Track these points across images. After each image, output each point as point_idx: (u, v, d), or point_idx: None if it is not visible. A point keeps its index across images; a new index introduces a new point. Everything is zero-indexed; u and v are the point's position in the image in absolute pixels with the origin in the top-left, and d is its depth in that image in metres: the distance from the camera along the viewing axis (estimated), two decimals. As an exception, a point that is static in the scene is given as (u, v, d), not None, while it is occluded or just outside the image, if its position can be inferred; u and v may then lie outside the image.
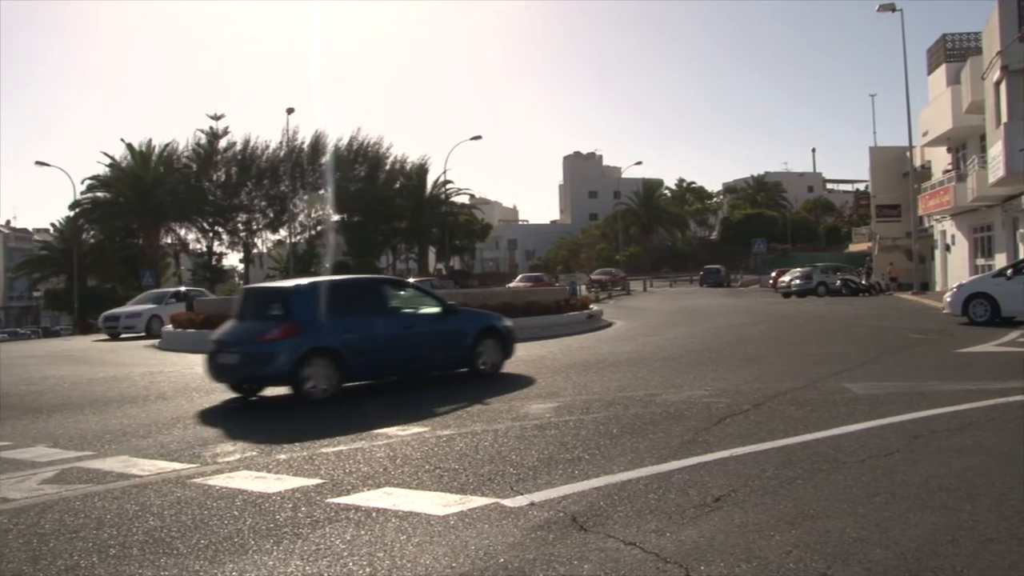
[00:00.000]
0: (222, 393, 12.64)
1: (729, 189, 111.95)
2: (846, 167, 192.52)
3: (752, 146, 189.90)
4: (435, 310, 13.28)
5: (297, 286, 12.43)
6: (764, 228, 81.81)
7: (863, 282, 44.95)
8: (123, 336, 30.52)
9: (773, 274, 53.51)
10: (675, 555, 4.55)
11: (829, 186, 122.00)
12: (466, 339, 13.26)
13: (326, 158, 66.87)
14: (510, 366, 13.92)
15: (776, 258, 72.95)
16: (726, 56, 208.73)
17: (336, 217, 70.00)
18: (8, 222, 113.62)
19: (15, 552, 5.22)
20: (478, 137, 66.76)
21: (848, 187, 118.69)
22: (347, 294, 12.68)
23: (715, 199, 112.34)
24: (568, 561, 4.55)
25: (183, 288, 37.74)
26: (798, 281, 44.16)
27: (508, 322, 14.26)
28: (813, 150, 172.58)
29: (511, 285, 44.21)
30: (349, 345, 11.70)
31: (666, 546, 4.71)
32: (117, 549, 5.18)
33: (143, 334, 29.95)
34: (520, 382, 12.54)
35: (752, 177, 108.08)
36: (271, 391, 12.15)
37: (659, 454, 7.11)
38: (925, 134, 42.04)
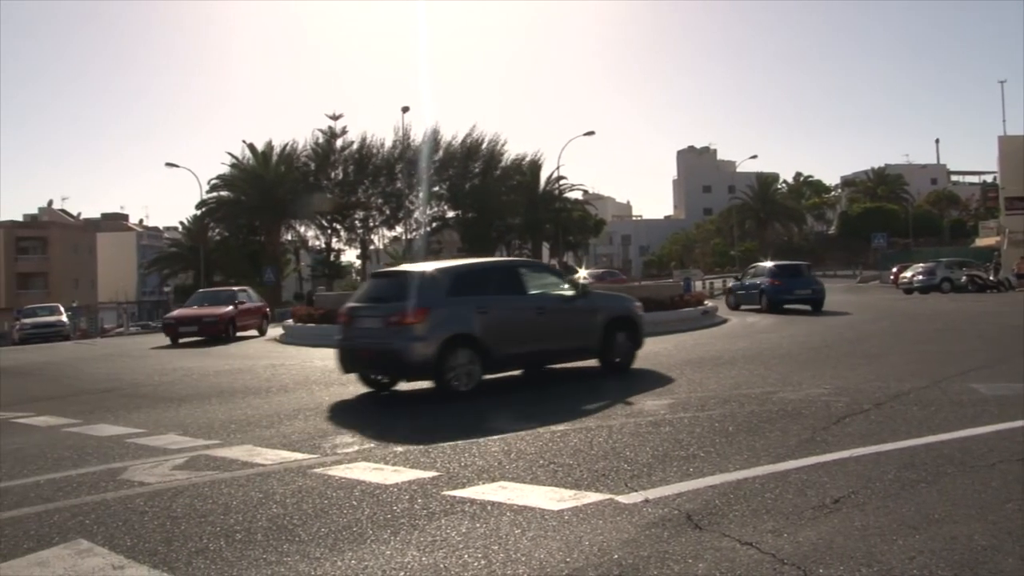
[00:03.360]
0: (341, 386, 12.98)
1: (847, 182, 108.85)
2: (972, 158, 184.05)
3: (871, 137, 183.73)
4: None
5: (808, 264, 33.50)
6: (884, 222, 79.01)
7: (991, 278, 43.06)
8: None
9: (894, 270, 51.81)
10: (792, 556, 4.47)
11: (954, 178, 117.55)
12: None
13: (439, 155, 67.70)
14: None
15: (897, 253, 70.60)
16: (844, 45, 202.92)
17: (451, 213, 70.80)
18: (141, 221, 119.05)
19: (151, 533, 5.49)
20: (591, 133, 65.90)
21: (975, 179, 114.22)
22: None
23: (833, 193, 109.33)
24: (683, 559, 4.52)
25: None
26: (921, 277, 42.66)
27: None
28: (937, 141, 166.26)
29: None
30: None
31: (783, 547, 4.63)
32: (243, 534, 5.38)
33: None
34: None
35: (872, 170, 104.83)
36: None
37: (776, 453, 6.99)
38: (1060, 122, 39.93)
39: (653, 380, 12.27)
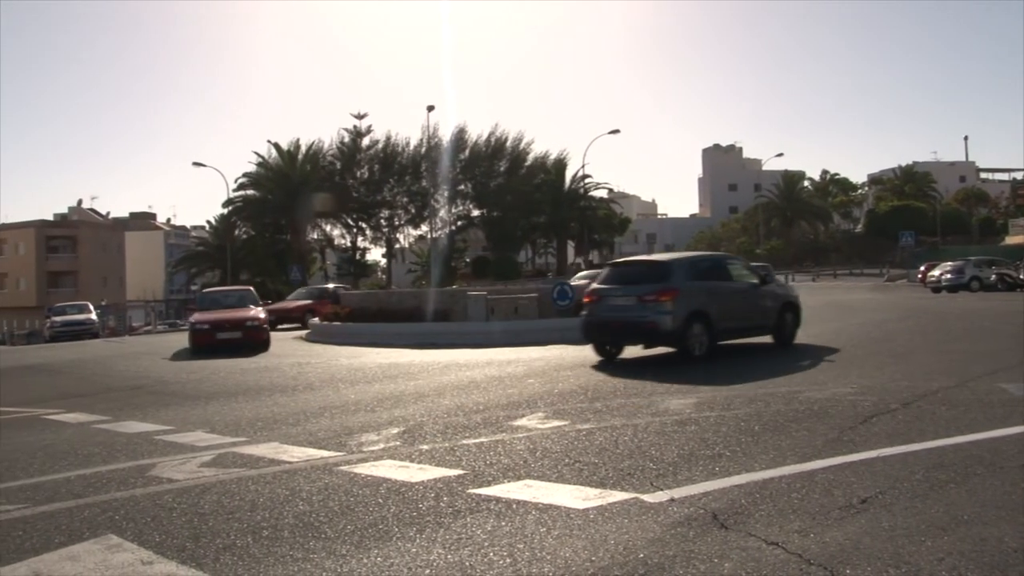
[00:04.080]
0: (367, 384, 13.06)
1: (875, 180, 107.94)
2: (1002, 155, 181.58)
3: (899, 135, 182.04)
4: None
5: (768, 265, 27.21)
6: (912, 220, 78.02)
7: (1021, 276, 42.54)
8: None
9: (922, 268, 51.33)
10: (819, 557, 4.45)
11: (983, 175, 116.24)
12: None
13: (464, 154, 67.80)
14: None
15: (925, 251, 69.89)
16: (872, 42, 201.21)
17: (476, 212, 70.87)
18: (168, 220, 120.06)
19: (179, 529, 5.55)
20: (616, 131, 65.46)
21: (1004, 176, 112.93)
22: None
23: (860, 191, 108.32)
24: (708, 559, 4.51)
25: None
26: (949, 275, 42.22)
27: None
28: (965, 138, 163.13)
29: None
30: None
31: (810, 547, 4.61)
32: (269, 531, 5.42)
33: None
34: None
35: (899, 167, 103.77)
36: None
37: (802, 452, 6.96)
38: (1092, 119, 39.46)
39: (819, 351, 14.99)
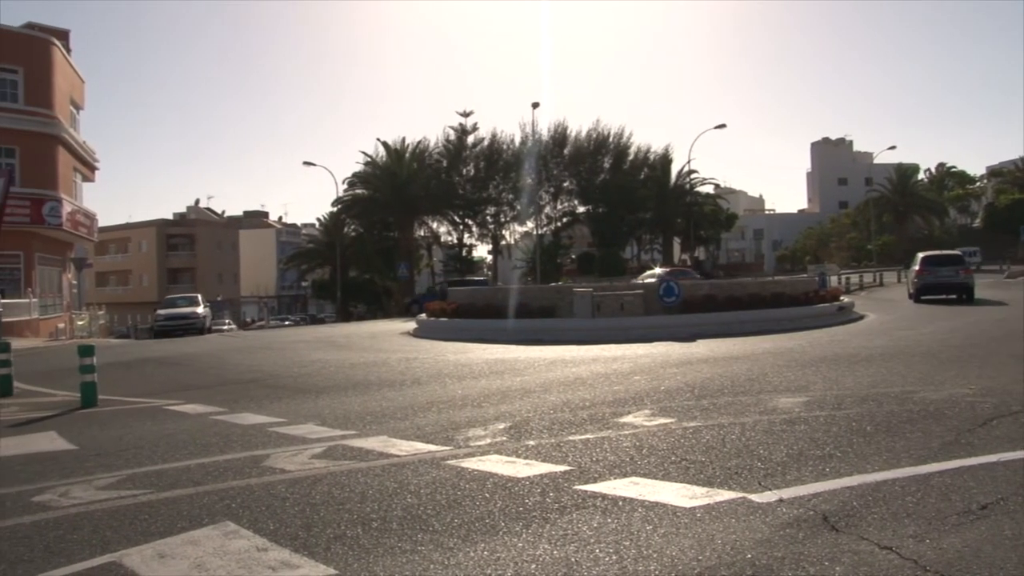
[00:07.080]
0: (473, 379, 13.19)
1: (994, 172, 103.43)
2: None
3: (1020, 125, 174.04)
4: None
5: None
6: (1035, 214, 74.73)
7: None
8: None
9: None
10: (935, 564, 4.30)
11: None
12: None
13: (567, 149, 67.84)
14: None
15: (1050, 247, 66.71)
16: (988, 26, 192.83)
17: (581, 208, 70.84)
18: (280, 218, 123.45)
19: (292, 518, 5.72)
20: (722, 126, 64.55)
21: None
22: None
23: (978, 184, 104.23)
24: (819, 562, 4.41)
25: None
26: (1077, 272, 40.49)
27: None
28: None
29: None
30: None
31: (925, 553, 4.47)
32: (378, 523, 5.53)
33: None
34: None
35: (1020, 159, 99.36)
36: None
37: (917, 455, 6.74)
38: None
39: (988, 303, 26.71)
